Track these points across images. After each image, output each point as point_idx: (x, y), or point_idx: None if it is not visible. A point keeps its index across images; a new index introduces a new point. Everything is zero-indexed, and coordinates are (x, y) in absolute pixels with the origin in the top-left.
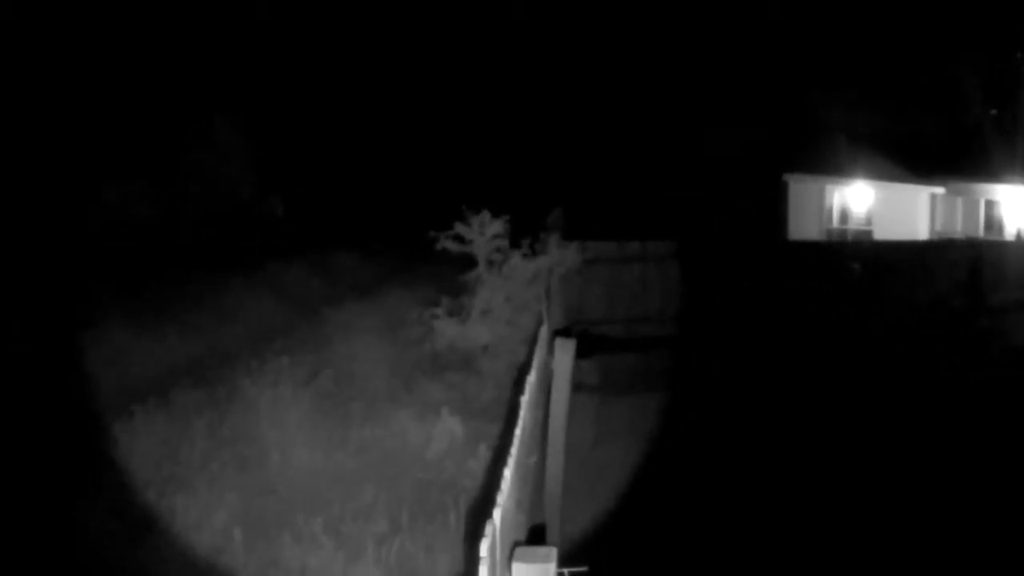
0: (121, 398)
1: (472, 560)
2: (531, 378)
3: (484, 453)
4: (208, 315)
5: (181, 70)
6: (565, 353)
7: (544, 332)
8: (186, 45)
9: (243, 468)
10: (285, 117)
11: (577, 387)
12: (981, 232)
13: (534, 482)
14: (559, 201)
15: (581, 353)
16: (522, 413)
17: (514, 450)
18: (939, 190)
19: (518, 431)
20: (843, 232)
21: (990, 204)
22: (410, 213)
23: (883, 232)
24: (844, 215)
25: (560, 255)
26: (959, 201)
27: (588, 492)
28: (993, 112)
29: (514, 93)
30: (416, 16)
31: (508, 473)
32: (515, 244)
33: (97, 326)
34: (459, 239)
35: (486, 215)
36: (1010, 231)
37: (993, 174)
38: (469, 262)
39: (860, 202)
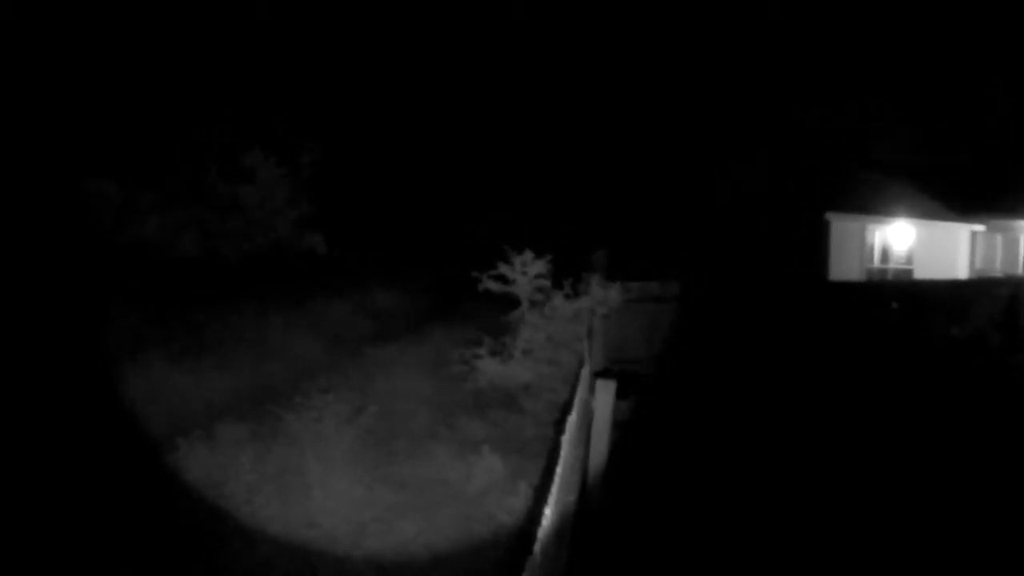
0: (165, 431)
1: None
2: (572, 417)
3: (524, 490)
4: (249, 350)
5: (222, 104)
6: (606, 394)
7: (585, 372)
8: (227, 81)
9: (287, 502)
10: (326, 153)
11: (616, 426)
12: (1021, 269)
13: (574, 518)
14: (600, 240)
15: (619, 393)
16: (563, 452)
17: (555, 488)
18: (979, 227)
19: (559, 469)
20: (883, 271)
21: None
22: (451, 251)
23: (923, 270)
24: (885, 254)
25: (602, 295)
26: (999, 238)
27: (626, 529)
28: None
29: (557, 134)
30: (460, 52)
31: (548, 511)
32: (557, 284)
33: (138, 359)
34: (501, 279)
35: (528, 255)
36: None
37: None
38: (510, 301)
39: (901, 240)
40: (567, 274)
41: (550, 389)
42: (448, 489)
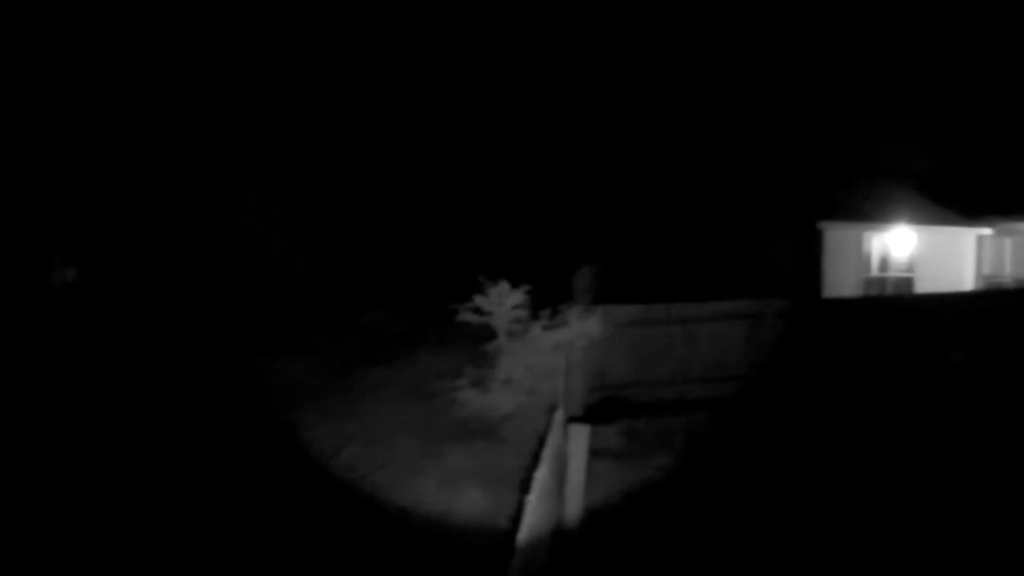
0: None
1: None
2: (546, 452)
3: (505, 522)
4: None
5: (210, 129)
6: (579, 440)
7: (559, 417)
8: (215, 108)
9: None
10: (311, 178)
11: (601, 453)
12: None
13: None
14: (584, 256)
15: (605, 419)
16: (535, 488)
17: (526, 521)
18: (986, 231)
19: (530, 503)
20: (883, 281)
21: None
22: (436, 278)
23: (925, 277)
24: (884, 262)
25: (580, 327)
26: (1007, 242)
27: (610, 559)
28: None
29: (541, 148)
30: (442, 78)
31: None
32: (535, 315)
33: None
34: (478, 311)
35: (504, 286)
36: None
37: None
38: (491, 330)
39: (901, 247)
40: (547, 301)
41: (533, 418)
42: (431, 522)
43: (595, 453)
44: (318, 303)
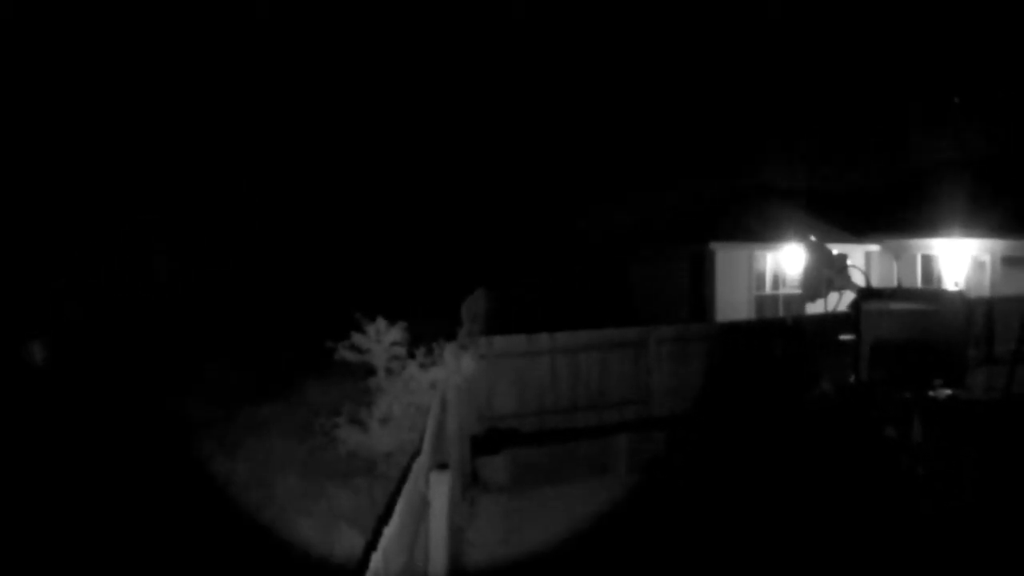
0: None
1: None
2: (400, 505)
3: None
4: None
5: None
6: (440, 487)
7: (421, 462)
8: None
9: None
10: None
11: (484, 487)
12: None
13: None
14: (476, 285)
15: (490, 450)
16: (381, 545)
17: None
18: (874, 247)
19: (375, 561)
20: (775, 298)
21: (927, 259)
22: (322, 309)
23: None
24: (776, 280)
25: (455, 364)
26: (895, 258)
27: None
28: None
29: (429, 178)
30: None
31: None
32: (426, 342)
33: None
34: (356, 349)
35: (382, 323)
36: (948, 284)
37: (928, 229)
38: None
39: (792, 265)
40: (435, 333)
41: (414, 455)
42: (311, 563)
43: (482, 486)
44: (215, 334)
